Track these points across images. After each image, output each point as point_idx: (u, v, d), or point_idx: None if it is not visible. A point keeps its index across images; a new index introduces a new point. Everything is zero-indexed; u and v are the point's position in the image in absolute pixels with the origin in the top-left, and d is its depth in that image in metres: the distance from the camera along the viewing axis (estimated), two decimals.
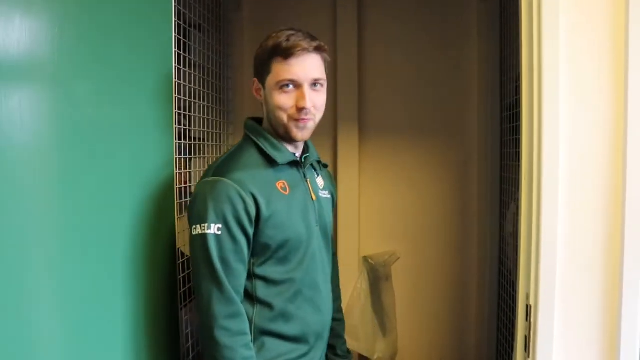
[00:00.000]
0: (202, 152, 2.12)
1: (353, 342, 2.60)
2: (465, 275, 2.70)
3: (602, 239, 1.30)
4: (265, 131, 1.38)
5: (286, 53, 1.27)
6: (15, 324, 0.98)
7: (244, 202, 1.25)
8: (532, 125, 1.31)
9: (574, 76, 1.28)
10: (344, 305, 2.61)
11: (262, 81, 1.35)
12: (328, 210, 1.49)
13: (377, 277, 2.65)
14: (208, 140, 2.19)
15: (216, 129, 2.31)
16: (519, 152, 2.01)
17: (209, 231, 1.23)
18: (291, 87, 1.30)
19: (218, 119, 2.34)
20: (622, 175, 1.26)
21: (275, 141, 1.36)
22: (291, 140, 1.38)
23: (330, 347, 1.66)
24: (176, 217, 1.67)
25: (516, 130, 2.08)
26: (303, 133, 1.35)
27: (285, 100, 1.30)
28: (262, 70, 1.34)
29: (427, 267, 2.72)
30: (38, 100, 1.04)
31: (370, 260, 2.65)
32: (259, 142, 1.36)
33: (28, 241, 1.02)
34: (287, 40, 1.27)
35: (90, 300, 1.21)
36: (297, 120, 1.32)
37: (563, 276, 1.30)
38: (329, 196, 1.51)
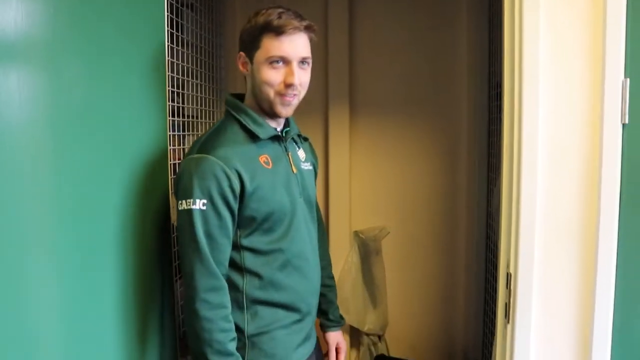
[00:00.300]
0: (195, 129, 2.16)
1: (344, 314, 2.64)
2: (453, 249, 2.76)
3: (579, 209, 1.35)
4: (246, 107, 1.42)
5: (278, 30, 1.30)
6: (11, 292, 1.03)
7: (229, 178, 1.28)
8: (513, 99, 1.36)
9: (554, 49, 1.32)
10: (335, 278, 2.67)
11: (250, 55, 1.37)
12: (311, 181, 1.54)
13: (367, 251, 2.71)
14: (201, 118, 2.23)
15: (209, 107, 2.34)
16: None
17: (194, 206, 1.27)
18: (280, 63, 1.33)
19: (211, 96, 2.38)
20: (599, 148, 1.31)
21: (256, 116, 1.40)
22: (274, 116, 1.41)
23: (323, 313, 1.72)
24: (170, 193, 1.72)
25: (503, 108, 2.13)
26: (287, 110, 1.39)
27: (274, 76, 1.33)
28: (250, 45, 1.36)
29: (417, 241, 2.78)
30: (33, 78, 1.07)
31: (360, 235, 2.71)
32: (240, 118, 1.39)
33: (24, 220, 1.06)
34: (279, 17, 1.30)
35: (84, 273, 1.25)
36: (283, 96, 1.35)
37: (541, 245, 1.36)
38: (310, 167, 1.55)
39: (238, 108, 1.41)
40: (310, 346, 1.50)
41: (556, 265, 1.37)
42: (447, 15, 2.64)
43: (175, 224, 1.76)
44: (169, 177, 1.71)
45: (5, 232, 1.00)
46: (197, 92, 2.16)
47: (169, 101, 1.72)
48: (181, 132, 1.96)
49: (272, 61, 1.33)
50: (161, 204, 1.67)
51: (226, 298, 1.32)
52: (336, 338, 1.74)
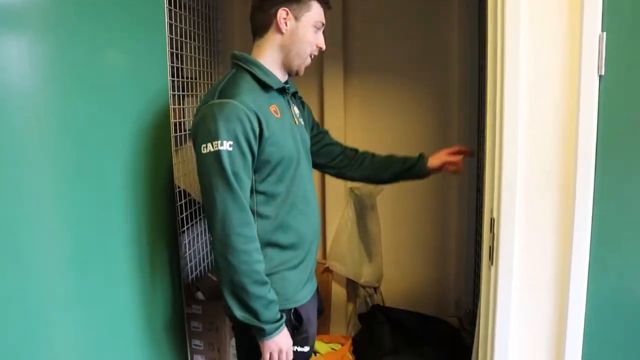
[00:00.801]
0: (194, 89, 2.23)
1: (341, 267, 2.79)
2: (446, 203, 2.86)
3: (559, 156, 1.43)
4: (256, 60, 1.50)
5: (324, 2, 1.52)
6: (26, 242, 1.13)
7: (251, 121, 1.37)
8: (496, 54, 1.43)
9: (534, 5, 1.39)
10: (332, 235, 2.79)
11: (297, 14, 1.48)
12: (307, 134, 1.66)
13: (363, 206, 2.81)
14: (199, 79, 2.30)
15: (207, 68, 2.41)
16: None
17: (222, 148, 1.34)
18: (319, 28, 1.51)
19: (208, 58, 2.44)
20: (577, 99, 1.39)
21: (266, 69, 1.49)
22: (294, 74, 1.55)
23: (411, 163, 1.84)
24: (172, 150, 1.80)
25: None
26: (304, 69, 1.56)
27: (315, 38, 1.51)
28: (298, 6, 1.47)
29: (410, 196, 2.87)
30: (42, 43, 1.15)
31: (356, 191, 2.80)
32: (252, 70, 1.48)
33: (34, 176, 1.15)
34: None
35: (93, 228, 1.35)
36: (311, 56, 1.53)
37: (523, 190, 1.44)
38: (303, 123, 1.66)
39: (249, 61, 1.50)
40: (312, 287, 1.61)
41: (536, 208, 1.46)
42: None
43: (175, 180, 1.85)
44: (172, 135, 1.79)
45: (18, 184, 1.09)
46: (195, 53, 2.23)
47: (169, 62, 1.79)
48: (180, 92, 2.03)
49: (318, 25, 1.50)
50: (165, 161, 1.75)
51: (255, 232, 1.42)
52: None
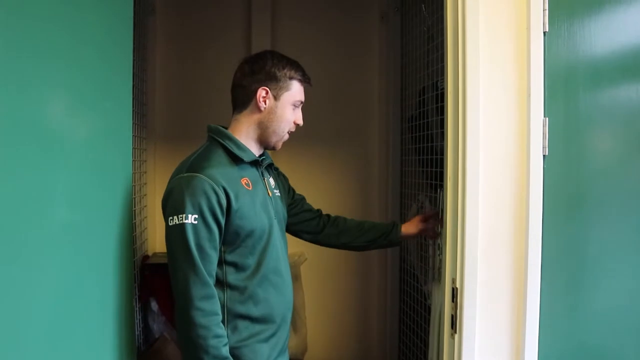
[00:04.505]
0: None
1: None
2: (368, 273, 2.93)
3: (512, 227, 1.56)
4: (230, 133, 1.53)
5: (305, 80, 1.58)
6: None
7: (217, 195, 1.39)
8: (457, 143, 1.55)
9: (490, 96, 1.54)
10: None
11: (277, 94, 1.52)
12: (282, 205, 1.67)
13: None
14: None
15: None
16: (421, 159, 2.27)
17: (186, 221, 1.36)
18: (298, 106, 1.55)
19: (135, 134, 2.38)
20: (526, 175, 1.54)
21: (239, 142, 1.52)
22: (270, 149, 1.58)
23: (386, 231, 1.83)
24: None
25: (417, 140, 2.35)
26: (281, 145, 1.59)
27: (293, 116, 1.54)
28: (278, 85, 1.51)
29: (333, 267, 2.92)
30: None
31: None
32: (225, 143, 1.50)
33: None
34: (303, 71, 1.57)
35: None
36: (289, 133, 1.56)
37: (483, 262, 1.55)
38: (279, 194, 1.67)
39: (223, 135, 1.52)
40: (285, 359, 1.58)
41: (494, 279, 1.56)
42: (360, 52, 2.90)
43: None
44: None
45: None
46: None
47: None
48: None
49: (297, 104, 1.54)
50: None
51: (218, 306, 1.40)
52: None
